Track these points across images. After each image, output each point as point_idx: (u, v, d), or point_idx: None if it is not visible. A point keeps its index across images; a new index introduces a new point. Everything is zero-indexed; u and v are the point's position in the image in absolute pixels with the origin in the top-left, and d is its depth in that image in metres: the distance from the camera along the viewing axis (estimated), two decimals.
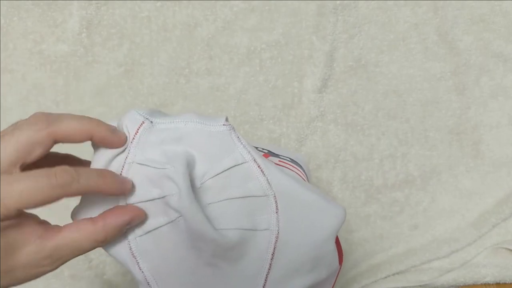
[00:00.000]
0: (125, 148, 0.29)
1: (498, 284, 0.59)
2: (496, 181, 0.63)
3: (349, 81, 0.64)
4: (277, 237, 0.29)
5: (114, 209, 0.27)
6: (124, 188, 0.27)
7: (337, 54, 0.63)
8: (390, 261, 0.60)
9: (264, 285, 0.29)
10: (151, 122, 0.29)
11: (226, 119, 0.29)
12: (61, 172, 0.24)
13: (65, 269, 0.59)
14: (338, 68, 0.64)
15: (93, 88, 0.64)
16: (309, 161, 0.63)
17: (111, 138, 0.28)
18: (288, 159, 0.40)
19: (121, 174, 0.28)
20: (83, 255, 0.28)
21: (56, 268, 0.27)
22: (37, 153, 0.25)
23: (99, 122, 0.28)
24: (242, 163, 0.29)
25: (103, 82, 0.64)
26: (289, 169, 0.36)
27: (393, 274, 0.60)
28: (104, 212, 0.27)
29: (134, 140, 0.28)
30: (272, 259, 0.29)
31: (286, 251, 0.29)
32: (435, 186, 0.63)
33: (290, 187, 0.29)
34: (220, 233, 0.27)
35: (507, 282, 0.58)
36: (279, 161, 0.39)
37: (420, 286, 0.59)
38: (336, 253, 0.31)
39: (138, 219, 0.28)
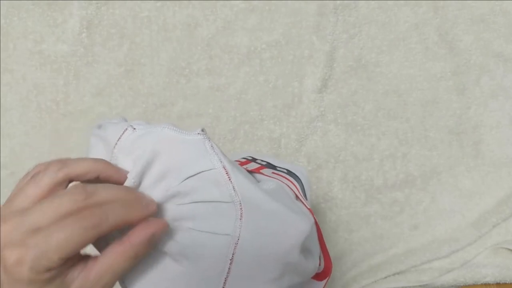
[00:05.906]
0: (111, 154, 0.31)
1: (498, 284, 0.59)
2: (496, 181, 0.63)
3: (349, 81, 0.64)
4: (236, 243, 0.29)
5: (137, 227, 0.29)
6: (149, 211, 0.29)
7: (337, 54, 0.63)
8: (390, 261, 0.60)
9: None
10: (134, 128, 0.30)
11: (202, 130, 0.30)
12: (88, 214, 0.26)
13: None
14: (338, 68, 0.63)
15: (93, 88, 0.64)
16: (309, 161, 0.63)
17: (116, 177, 0.30)
18: (285, 170, 0.41)
19: None
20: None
21: None
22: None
23: (106, 164, 0.29)
24: (210, 169, 0.30)
25: (103, 82, 0.64)
26: (281, 180, 0.37)
27: (393, 274, 0.60)
28: (129, 232, 0.28)
29: (116, 145, 0.30)
30: (231, 264, 0.29)
31: (246, 258, 0.29)
32: (435, 186, 0.63)
33: (256, 196, 0.30)
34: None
35: (507, 282, 0.58)
36: (272, 172, 0.40)
37: (420, 286, 0.59)
38: (305, 262, 0.32)
39: (163, 230, 0.29)
